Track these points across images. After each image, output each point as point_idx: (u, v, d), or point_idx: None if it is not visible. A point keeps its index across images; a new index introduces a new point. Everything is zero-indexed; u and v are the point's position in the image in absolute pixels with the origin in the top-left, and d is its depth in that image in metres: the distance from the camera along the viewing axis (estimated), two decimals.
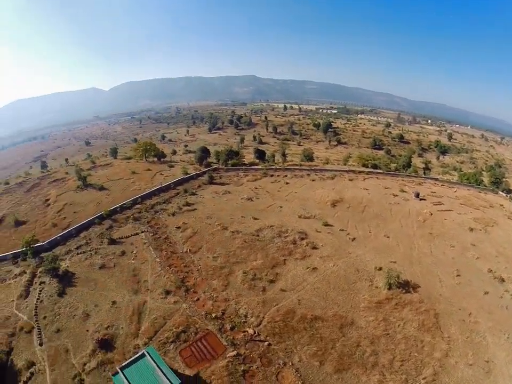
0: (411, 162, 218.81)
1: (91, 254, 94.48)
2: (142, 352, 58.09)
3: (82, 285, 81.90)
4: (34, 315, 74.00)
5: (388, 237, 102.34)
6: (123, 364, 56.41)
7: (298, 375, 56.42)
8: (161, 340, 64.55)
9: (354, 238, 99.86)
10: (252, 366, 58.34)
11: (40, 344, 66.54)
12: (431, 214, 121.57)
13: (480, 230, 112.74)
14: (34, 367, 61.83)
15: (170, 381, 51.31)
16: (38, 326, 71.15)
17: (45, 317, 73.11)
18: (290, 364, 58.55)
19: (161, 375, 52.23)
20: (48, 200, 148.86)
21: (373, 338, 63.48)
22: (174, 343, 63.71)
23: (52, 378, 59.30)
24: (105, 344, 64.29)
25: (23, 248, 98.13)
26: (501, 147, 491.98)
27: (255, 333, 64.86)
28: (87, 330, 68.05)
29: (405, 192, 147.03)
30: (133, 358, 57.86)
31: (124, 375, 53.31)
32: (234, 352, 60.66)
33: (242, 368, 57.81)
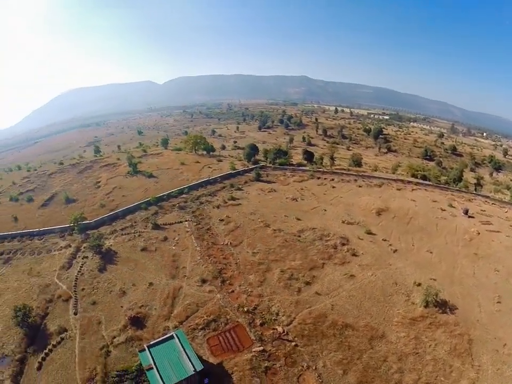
0: (462, 176, 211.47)
1: (134, 236, 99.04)
2: (171, 334, 60.80)
3: (122, 264, 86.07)
4: (74, 286, 78.79)
5: (431, 252, 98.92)
6: (151, 343, 58.98)
7: (320, 380, 56.18)
8: (191, 325, 66.76)
9: (396, 250, 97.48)
10: (275, 364, 58.65)
11: (75, 313, 70.67)
12: (479, 233, 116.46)
13: None
14: (65, 333, 65.91)
15: (193, 366, 52.65)
16: (75, 296, 75.57)
17: (83, 289, 77.76)
18: (314, 368, 58.37)
19: (186, 359, 54.01)
20: (99, 182, 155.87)
21: (401, 355, 61.84)
22: (203, 330, 65.66)
23: (80, 345, 62.85)
24: (137, 321, 67.38)
25: (71, 224, 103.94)
26: None
27: (284, 331, 65.28)
28: (122, 307, 71.59)
29: (453, 207, 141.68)
30: (161, 338, 60.47)
31: (150, 353, 55.58)
32: (261, 348, 61.41)
33: (265, 364, 58.33)
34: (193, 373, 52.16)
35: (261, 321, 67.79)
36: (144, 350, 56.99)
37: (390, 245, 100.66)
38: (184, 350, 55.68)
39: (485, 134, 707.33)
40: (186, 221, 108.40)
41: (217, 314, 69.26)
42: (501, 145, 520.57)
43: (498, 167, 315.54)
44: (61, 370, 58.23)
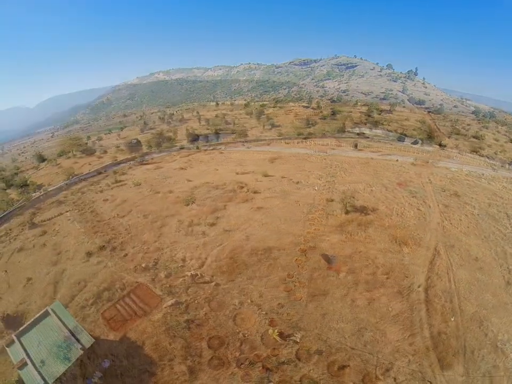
0: (345, 128, 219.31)
1: (10, 242, 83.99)
2: (44, 310, 46.88)
3: None
4: None
5: (333, 177, 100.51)
6: (21, 329, 44.95)
7: (263, 312, 47.50)
8: (79, 303, 54.17)
9: (298, 182, 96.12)
10: (198, 314, 48.34)
11: None
12: (372, 158, 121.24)
13: (423, 165, 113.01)
14: None
15: (80, 343, 40.81)
16: None
17: None
18: (249, 301, 49.70)
19: (69, 337, 41.44)
20: None
21: (344, 258, 57.92)
22: (95, 305, 53.13)
23: None
24: (13, 322, 53.10)
25: None
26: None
27: (197, 275, 55.91)
28: None
29: (343, 147, 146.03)
30: (33, 319, 46.27)
31: (21, 343, 42.08)
32: (173, 301, 51.15)
33: (185, 318, 47.74)
34: (82, 352, 39.98)
35: (165, 273, 57.95)
36: (13, 342, 43.28)
37: (291, 179, 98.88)
38: (64, 325, 43.24)
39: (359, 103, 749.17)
40: (67, 211, 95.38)
41: (109, 282, 57.99)
42: (376, 109, 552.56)
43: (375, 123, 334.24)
44: None
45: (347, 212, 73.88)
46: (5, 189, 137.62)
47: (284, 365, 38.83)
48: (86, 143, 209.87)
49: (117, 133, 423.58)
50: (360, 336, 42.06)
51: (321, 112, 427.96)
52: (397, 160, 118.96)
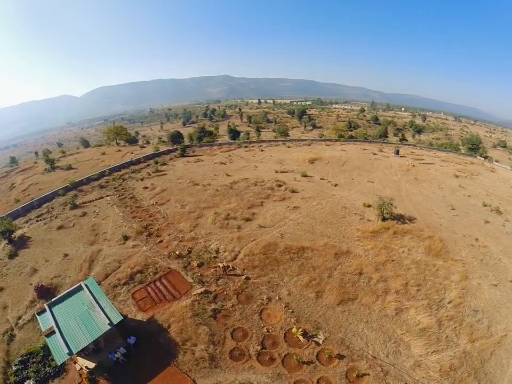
0: (387, 133, 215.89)
1: (51, 219, 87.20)
2: (78, 285, 48.42)
3: (36, 246, 74.28)
4: None
5: (372, 182, 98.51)
6: (53, 300, 46.53)
7: (290, 310, 46.89)
8: (112, 282, 55.78)
9: (336, 184, 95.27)
10: (225, 305, 48.41)
11: None
12: (414, 165, 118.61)
13: (466, 177, 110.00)
14: None
15: (109, 319, 41.20)
16: None
17: None
18: (277, 298, 49.43)
19: (99, 312, 42.31)
20: (13, 184, 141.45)
21: (377, 265, 56.70)
22: (126, 285, 54.62)
23: None
24: (47, 293, 55.47)
25: None
26: (474, 127, 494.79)
27: (228, 267, 56.06)
28: (31, 284, 59.69)
29: (384, 152, 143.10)
30: (66, 292, 48.11)
31: (52, 313, 43.22)
32: (202, 289, 51.29)
33: (212, 307, 47.79)
34: (109, 327, 40.44)
35: (198, 262, 58.49)
36: (44, 311, 44.84)
37: (329, 181, 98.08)
38: (96, 300, 44.11)
39: (403, 109, 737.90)
40: (107, 196, 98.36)
41: (143, 265, 59.27)
42: (419, 114, 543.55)
43: (419, 130, 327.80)
44: None
45: (384, 219, 72.56)
46: (50, 171, 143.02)
47: (304, 365, 38.58)
48: (129, 133, 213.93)
49: (160, 124, 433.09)
50: (383, 346, 40.78)
51: (364, 115, 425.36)
52: (437, 170, 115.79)
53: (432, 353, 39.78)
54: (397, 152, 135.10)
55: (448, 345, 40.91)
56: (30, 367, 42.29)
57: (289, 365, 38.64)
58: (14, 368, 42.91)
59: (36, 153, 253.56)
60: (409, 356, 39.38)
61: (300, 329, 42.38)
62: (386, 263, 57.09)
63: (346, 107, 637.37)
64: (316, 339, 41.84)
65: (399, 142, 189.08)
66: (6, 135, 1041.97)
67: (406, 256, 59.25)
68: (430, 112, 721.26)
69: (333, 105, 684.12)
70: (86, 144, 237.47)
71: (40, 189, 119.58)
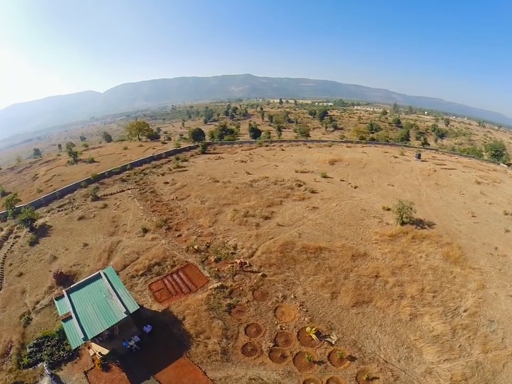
0: (409, 136, 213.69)
1: (72, 210, 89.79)
2: (97, 273, 49.78)
3: (57, 235, 76.57)
4: (1, 264, 68.77)
5: (392, 185, 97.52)
6: (72, 286, 48.05)
7: (304, 309, 46.78)
8: (129, 273, 57.24)
9: (356, 186, 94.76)
10: (240, 300, 48.89)
11: None
12: (435, 170, 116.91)
13: (488, 184, 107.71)
14: None
15: (125, 307, 42.22)
16: (1, 273, 65.56)
17: (11, 264, 67.90)
18: (293, 296, 49.32)
19: (116, 300, 43.41)
20: (37, 175, 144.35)
21: (394, 269, 55.86)
22: (144, 276, 55.97)
23: None
24: (65, 280, 57.21)
25: (4, 206, 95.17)
26: (498, 133, 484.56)
27: (245, 263, 56.56)
28: (50, 271, 61.48)
29: (405, 156, 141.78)
30: (84, 279, 49.55)
31: (70, 299, 44.43)
32: (219, 284, 52.09)
33: (228, 302, 48.47)
34: (125, 316, 41.57)
35: (216, 257, 59.23)
36: (62, 296, 46.17)
37: (349, 183, 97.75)
38: (113, 289, 45.34)
39: (425, 112, 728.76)
40: (128, 189, 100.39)
41: (161, 257, 60.50)
42: (442, 118, 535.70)
43: (441, 135, 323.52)
44: None
45: (403, 223, 71.63)
46: (73, 163, 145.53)
47: (315, 364, 38.46)
48: (152, 129, 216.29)
49: (181, 122, 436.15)
50: (395, 350, 40.32)
51: (386, 118, 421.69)
52: (458, 176, 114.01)
53: (444, 361, 39.17)
54: (419, 156, 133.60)
55: (461, 354, 40.13)
56: (44, 350, 43.76)
57: (300, 363, 38.80)
58: (28, 350, 44.48)
59: (59, 146, 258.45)
60: (421, 363, 38.93)
61: (313, 329, 42.41)
62: (403, 268, 56.40)
63: (368, 109, 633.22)
64: (328, 339, 41.79)
65: (421, 146, 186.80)
66: (31, 127, 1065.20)
67: (424, 261, 58.37)
68: (454, 117, 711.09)
69: (355, 107, 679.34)
70: (108, 138, 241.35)
71: (62, 180, 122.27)
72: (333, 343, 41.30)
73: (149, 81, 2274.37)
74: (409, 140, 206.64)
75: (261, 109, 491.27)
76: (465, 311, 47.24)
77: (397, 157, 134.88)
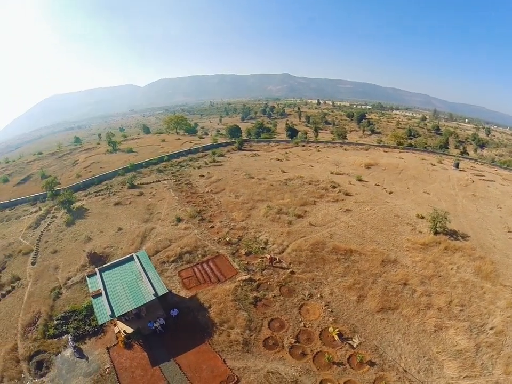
0: (448, 144, 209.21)
1: (109, 195, 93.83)
2: (130, 255, 51.98)
3: (92, 217, 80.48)
4: (37, 240, 72.68)
5: (428, 193, 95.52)
6: (104, 265, 50.84)
7: (329, 310, 46.77)
8: (161, 258, 59.44)
9: (391, 192, 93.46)
10: (267, 295, 49.61)
11: (33, 264, 64.19)
12: (473, 181, 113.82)
13: None
14: (18, 281, 58.83)
15: (154, 289, 43.78)
16: (37, 248, 69.23)
17: (46, 241, 71.64)
18: (319, 296, 49.42)
19: (146, 282, 45.22)
20: (76, 161, 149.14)
21: (423, 279, 54.61)
22: (174, 263, 58.04)
23: (30, 291, 55.57)
24: (98, 260, 60.06)
25: (43, 187, 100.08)
26: None
27: (275, 259, 57.16)
28: (84, 250, 64.53)
29: (443, 164, 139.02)
30: (117, 260, 52.19)
31: (101, 277, 46.78)
32: (247, 277, 53.11)
33: (254, 295, 49.37)
34: (154, 298, 43.21)
35: (246, 250, 60.37)
36: (94, 274, 48.34)
37: (384, 188, 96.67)
38: (144, 272, 47.22)
39: (466, 120, 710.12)
40: (165, 180, 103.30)
41: (193, 246, 62.11)
42: (483, 128, 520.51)
43: (482, 145, 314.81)
44: (4, 319, 50.33)
45: (436, 232, 69.78)
46: (111, 152, 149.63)
47: (334, 365, 38.18)
48: (189, 123, 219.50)
49: (219, 118, 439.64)
50: (416, 361, 39.44)
51: (425, 124, 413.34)
52: (497, 188, 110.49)
53: (464, 377, 37.97)
54: (457, 166, 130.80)
55: (482, 373, 38.68)
56: (71, 324, 46.14)
57: (319, 362, 38.90)
58: (55, 322, 46.94)
59: (99, 135, 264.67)
60: (441, 376, 38.01)
61: (336, 330, 42.47)
62: (433, 278, 55.21)
63: (407, 114, 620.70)
64: (350, 342, 41.72)
65: (460, 155, 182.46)
66: (71, 117, 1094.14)
67: (454, 273, 56.69)
68: (495, 126, 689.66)
69: (393, 111, 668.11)
70: (147, 130, 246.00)
71: (101, 167, 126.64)
72: (354, 346, 41.20)
73: (188, 77, 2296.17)
74: (448, 148, 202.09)
75: (298, 108, 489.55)
76: (491, 328, 45.52)
77: (434, 165, 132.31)
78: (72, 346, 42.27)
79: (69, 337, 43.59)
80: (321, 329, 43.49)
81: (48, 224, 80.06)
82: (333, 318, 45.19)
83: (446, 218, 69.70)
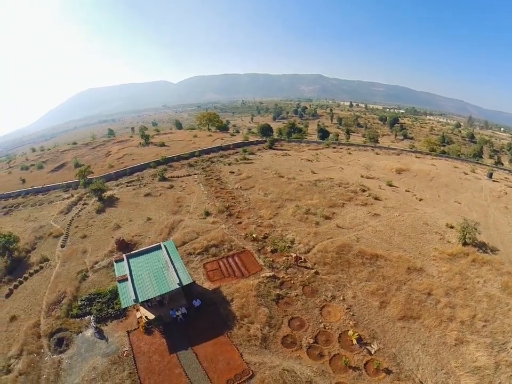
0: (482, 153, 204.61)
1: (139, 186, 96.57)
2: (157, 244, 53.70)
3: (123, 206, 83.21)
4: (68, 225, 75.73)
5: (459, 203, 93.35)
6: (132, 252, 52.60)
7: (350, 313, 46.34)
8: (187, 250, 60.75)
9: (421, 199, 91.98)
10: (290, 293, 49.80)
11: (62, 246, 66.95)
12: (506, 193, 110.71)
13: None
14: (46, 262, 61.72)
15: (179, 279, 44.81)
16: (67, 232, 72.16)
17: (77, 226, 74.75)
18: (341, 298, 49.09)
19: (171, 271, 46.38)
20: (109, 152, 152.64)
21: (448, 290, 52.75)
22: (200, 255, 59.37)
23: (57, 272, 58.22)
24: (126, 247, 62.01)
25: (76, 176, 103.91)
26: None
27: (300, 258, 57.28)
28: (112, 237, 66.75)
29: (476, 173, 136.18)
30: (145, 248, 53.75)
31: (128, 263, 48.73)
32: (271, 274, 53.46)
33: (277, 292, 49.73)
34: (178, 287, 44.24)
35: (272, 248, 60.92)
36: (122, 260, 50.39)
37: (414, 195, 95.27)
38: (171, 261, 48.43)
39: (502, 128, 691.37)
40: (195, 174, 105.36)
41: (219, 240, 63.23)
42: None
43: None
44: (30, 296, 53.10)
45: (465, 243, 67.77)
46: (144, 145, 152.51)
47: (350, 369, 37.80)
48: (221, 121, 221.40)
49: (250, 116, 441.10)
50: (433, 373, 38.21)
51: (459, 131, 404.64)
52: None
53: None
54: (490, 176, 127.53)
55: None
56: (95, 306, 47.93)
57: (335, 365, 38.72)
58: (79, 302, 48.97)
59: (132, 128, 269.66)
60: None
61: (356, 334, 42.20)
62: (458, 290, 53.64)
63: (441, 120, 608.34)
64: (368, 347, 41.32)
65: (494, 165, 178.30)
66: (105, 110, 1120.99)
67: (480, 287, 54.83)
68: None
69: (427, 116, 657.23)
70: (179, 126, 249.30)
71: (133, 159, 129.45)
72: (373, 352, 40.77)
73: (220, 75, 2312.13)
74: (482, 157, 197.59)
75: (331, 110, 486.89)
76: None
77: (467, 174, 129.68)
78: (94, 327, 44.03)
79: (92, 318, 45.31)
80: (341, 332, 43.30)
81: (79, 210, 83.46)
82: (354, 322, 44.89)
83: (476, 229, 67.62)
